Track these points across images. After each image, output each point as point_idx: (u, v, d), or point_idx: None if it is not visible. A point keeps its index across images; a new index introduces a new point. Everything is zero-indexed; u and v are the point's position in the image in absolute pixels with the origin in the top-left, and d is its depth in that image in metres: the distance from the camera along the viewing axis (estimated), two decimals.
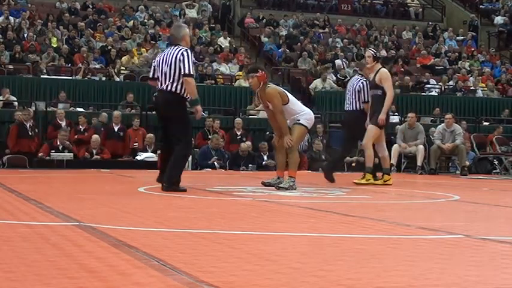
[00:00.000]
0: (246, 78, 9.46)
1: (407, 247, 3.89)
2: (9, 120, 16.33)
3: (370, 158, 10.68)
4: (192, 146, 16.45)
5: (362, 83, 10.79)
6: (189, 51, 7.93)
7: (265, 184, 9.13)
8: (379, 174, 10.74)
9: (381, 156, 11.03)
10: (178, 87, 7.79)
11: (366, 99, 10.71)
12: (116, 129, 16.34)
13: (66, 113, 16.90)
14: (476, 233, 4.47)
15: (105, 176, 12.40)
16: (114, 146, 16.15)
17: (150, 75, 8.27)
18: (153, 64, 8.18)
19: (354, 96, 10.83)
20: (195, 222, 4.98)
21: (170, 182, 7.81)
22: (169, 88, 7.83)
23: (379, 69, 10.43)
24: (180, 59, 7.76)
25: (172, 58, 7.82)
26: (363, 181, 10.54)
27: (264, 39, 24.53)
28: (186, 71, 7.75)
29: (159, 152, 15.87)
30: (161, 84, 7.89)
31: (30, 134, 15.58)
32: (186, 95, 7.86)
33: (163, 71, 7.86)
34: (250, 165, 16.01)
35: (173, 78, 7.80)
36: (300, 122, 8.89)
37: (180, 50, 7.84)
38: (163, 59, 7.92)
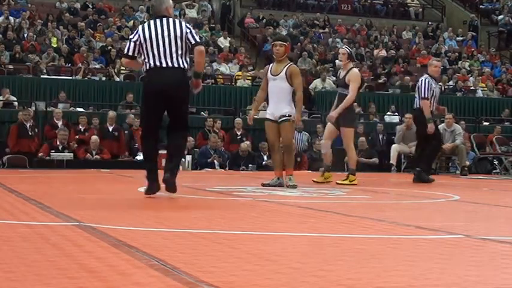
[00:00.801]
0: (274, 45, 9.33)
1: (407, 247, 3.89)
2: (9, 120, 16.34)
3: (354, 160, 10.53)
4: (193, 146, 16.53)
5: (421, 80, 11.13)
6: None
7: (264, 185, 9.15)
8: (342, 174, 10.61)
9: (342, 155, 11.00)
10: (185, 63, 6.84)
11: (425, 96, 10.85)
12: (110, 129, 16.32)
13: (66, 113, 16.91)
14: (476, 233, 4.47)
15: (105, 176, 12.40)
16: (110, 146, 16.13)
17: (129, 51, 6.96)
18: (133, 40, 6.95)
19: (417, 94, 11.11)
20: (195, 222, 4.98)
21: (175, 173, 6.94)
22: (177, 64, 6.77)
23: (351, 68, 10.35)
24: (187, 31, 6.85)
25: (175, 31, 6.83)
26: (346, 182, 10.36)
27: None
28: (197, 39, 6.91)
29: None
30: (159, 62, 6.77)
31: (30, 134, 15.58)
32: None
33: (162, 45, 6.80)
34: (250, 165, 16.02)
35: (181, 53, 6.81)
36: (291, 118, 9.01)
37: (180, 22, 7.05)
38: (157, 33, 6.85)
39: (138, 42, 6.87)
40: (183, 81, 6.86)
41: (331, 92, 20.59)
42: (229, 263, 3.18)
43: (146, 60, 6.81)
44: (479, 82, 23.52)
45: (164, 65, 6.75)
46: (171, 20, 6.94)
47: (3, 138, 16.05)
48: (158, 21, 6.93)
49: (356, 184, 10.19)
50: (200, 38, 6.52)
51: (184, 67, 6.80)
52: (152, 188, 6.90)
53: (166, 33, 6.82)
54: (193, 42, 6.82)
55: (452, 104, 21.16)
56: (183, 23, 6.99)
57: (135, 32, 7.02)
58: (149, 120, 6.99)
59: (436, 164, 15.95)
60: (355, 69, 10.56)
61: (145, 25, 7.00)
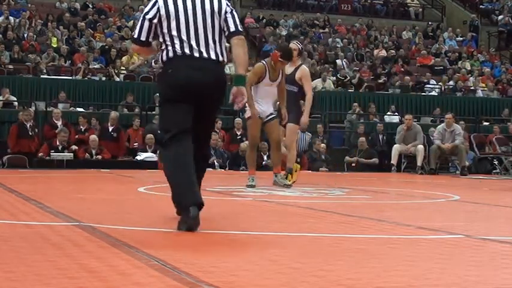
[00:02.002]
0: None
1: (407, 247, 3.89)
2: (9, 120, 16.34)
3: (294, 159, 10.19)
4: None
5: None
6: None
7: (248, 186, 9.02)
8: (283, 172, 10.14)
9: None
10: (224, 55, 4.81)
11: None
12: (110, 129, 16.32)
13: (66, 113, 16.91)
14: (476, 233, 4.47)
15: (105, 176, 12.40)
16: (109, 147, 16.11)
17: (142, 35, 4.85)
18: (148, 17, 4.79)
19: None
20: None
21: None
22: (214, 55, 4.70)
23: (300, 65, 10.11)
24: (226, 10, 4.79)
25: (211, 4, 4.77)
26: (291, 181, 9.93)
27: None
28: (239, 25, 4.82)
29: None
30: (190, 48, 4.66)
31: (30, 134, 15.58)
32: None
33: (193, 24, 4.69)
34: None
35: (218, 39, 4.76)
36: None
37: (218, 2, 4.82)
38: (185, 5, 4.74)
39: (156, 20, 4.74)
40: (224, 83, 4.81)
41: (331, 92, 20.62)
42: (229, 263, 3.18)
43: (168, 43, 4.70)
44: (479, 82, 23.52)
45: (197, 53, 4.65)
46: None
47: (3, 138, 16.05)
48: None
49: (294, 182, 9.66)
50: (237, 25, 4.77)
51: (224, 61, 4.82)
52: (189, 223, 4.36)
53: (199, 6, 4.74)
54: (232, 28, 4.74)
55: (453, 104, 21.16)
56: (222, 2, 4.84)
57: (151, 4, 4.82)
58: (176, 124, 4.60)
59: (436, 164, 15.96)
60: (305, 66, 10.36)
61: None
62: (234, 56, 4.77)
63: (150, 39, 4.87)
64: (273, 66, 9.08)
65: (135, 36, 4.91)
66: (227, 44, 4.83)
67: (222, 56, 4.74)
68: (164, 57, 4.78)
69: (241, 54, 4.74)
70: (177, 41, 4.67)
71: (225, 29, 4.74)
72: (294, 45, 10.17)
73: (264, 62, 9.25)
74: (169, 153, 4.60)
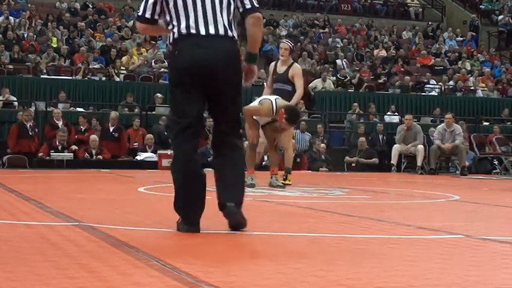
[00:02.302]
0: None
1: (407, 247, 3.89)
2: (9, 120, 16.35)
3: (291, 159, 10.10)
4: None
5: None
6: None
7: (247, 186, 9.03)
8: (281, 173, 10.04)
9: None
10: (234, 31, 4.42)
11: None
12: (111, 129, 16.32)
13: (66, 113, 16.91)
14: (476, 233, 4.47)
15: (105, 176, 12.40)
16: (110, 147, 16.12)
17: (146, 12, 4.46)
18: None
19: None
20: None
21: (240, 201, 4.40)
22: (224, 31, 4.33)
23: (292, 63, 10.06)
24: None
25: None
26: (288, 182, 9.64)
27: None
28: (254, 3, 4.47)
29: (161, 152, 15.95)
30: (197, 26, 4.30)
31: (30, 134, 15.59)
32: None
33: (200, 1, 4.33)
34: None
35: (230, 17, 4.41)
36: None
37: None
38: None
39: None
40: (236, 59, 4.47)
41: (331, 92, 20.62)
42: (229, 263, 3.18)
43: (174, 22, 4.35)
44: (479, 82, 23.52)
45: (203, 31, 4.31)
46: None
47: (3, 138, 16.06)
48: None
49: (290, 184, 9.60)
50: (252, 1, 4.43)
51: (234, 37, 4.42)
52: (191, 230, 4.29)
53: None
54: (248, 5, 4.41)
55: (453, 104, 21.17)
56: None
57: None
58: (184, 114, 4.35)
59: (436, 164, 15.96)
60: (297, 64, 10.35)
61: None
62: (248, 35, 4.48)
63: (156, 17, 4.47)
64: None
65: (139, 13, 4.51)
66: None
67: (232, 31, 4.37)
68: (171, 39, 4.40)
69: (256, 33, 4.48)
70: (182, 19, 4.31)
71: (239, 6, 4.41)
72: (285, 44, 10.16)
73: (272, 102, 9.01)
74: (174, 159, 4.45)
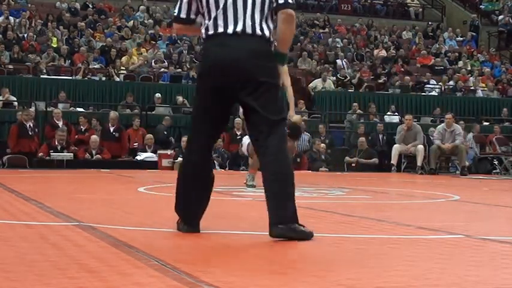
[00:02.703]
0: None
1: (407, 247, 3.89)
2: (9, 120, 16.35)
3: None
4: None
5: None
6: None
7: (248, 186, 9.06)
8: None
9: None
10: (267, 30, 4.16)
11: None
12: (111, 130, 16.33)
13: (66, 113, 16.92)
14: (476, 233, 4.47)
15: (105, 176, 12.40)
16: (111, 147, 16.14)
17: (181, 11, 4.29)
18: None
19: None
20: None
21: (292, 218, 3.95)
22: (253, 30, 4.11)
23: None
24: None
25: None
26: None
27: None
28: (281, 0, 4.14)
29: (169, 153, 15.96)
30: (225, 25, 4.11)
31: (30, 134, 15.59)
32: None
33: (229, 2, 4.12)
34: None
35: (264, 14, 4.16)
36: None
37: None
38: None
39: None
40: (263, 58, 4.12)
41: (331, 92, 20.62)
42: (229, 263, 3.18)
43: (205, 21, 4.18)
44: (479, 82, 23.52)
45: (231, 30, 4.10)
46: None
47: (3, 138, 16.06)
48: None
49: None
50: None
51: (266, 35, 4.14)
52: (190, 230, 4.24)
53: None
54: (281, 0, 4.14)
55: (453, 104, 21.17)
56: None
57: None
58: (196, 127, 4.26)
59: (436, 164, 15.96)
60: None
61: None
62: (278, 32, 4.19)
63: (192, 16, 4.26)
64: None
65: (175, 13, 4.34)
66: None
67: (262, 30, 4.09)
68: (202, 39, 4.26)
69: (285, 31, 4.18)
70: (212, 18, 4.13)
71: (273, 0, 4.14)
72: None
73: None
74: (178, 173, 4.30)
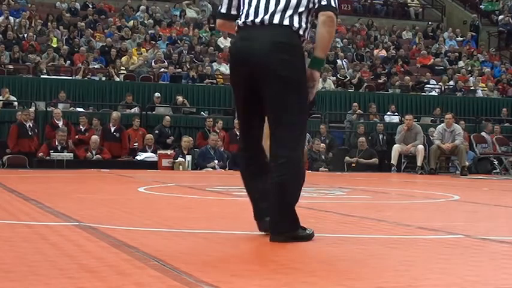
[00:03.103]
0: None
1: (407, 247, 3.89)
2: (9, 120, 16.36)
3: None
4: (192, 146, 16.54)
5: None
6: None
7: None
8: None
9: None
10: (300, 23, 3.95)
11: None
12: (112, 130, 16.34)
13: (66, 113, 16.92)
14: (476, 233, 4.47)
15: (105, 176, 12.41)
16: (112, 147, 16.15)
17: (223, 6, 4.27)
18: None
19: None
20: (195, 222, 4.98)
21: (288, 220, 3.92)
22: (278, 20, 3.92)
23: None
24: None
25: None
26: None
27: None
28: (324, 1, 3.97)
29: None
30: (249, 15, 3.99)
31: (29, 134, 15.59)
32: (303, 41, 4.02)
33: None
34: None
35: (294, 9, 3.95)
36: None
37: None
38: None
39: None
40: (285, 50, 3.90)
41: (331, 92, 20.61)
42: (229, 263, 3.18)
43: (240, 14, 4.08)
44: (479, 82, 23.52)
45: (253, 19, 3.98)
46: None
47: (3, 138, 16.06)
48: None
49: None
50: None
51: (293, 26, 3.92)
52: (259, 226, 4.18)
53: None
54: (324, 1, 3.95)
55: (453, 104, 21.16)
56: None
57: None
58: (240, 121, 4.23)
59: (436, 164, 15.96)
60: None
61: None
62: (316, 35, 4.00)
63: (234, 12, 4.18)
64: None
65: (219, 9, 4.31)
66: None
67: (291, 21, 3.89)
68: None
69: (324, 34, 3.97)
70: (245, 10, 4.01)
71: (316, 2, 3.95)
72: None
73: None
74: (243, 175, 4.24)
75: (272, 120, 3.93)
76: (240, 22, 4.02)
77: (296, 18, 3.92)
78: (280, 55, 3.86)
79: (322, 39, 3.99)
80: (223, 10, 4.24)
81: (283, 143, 3.87)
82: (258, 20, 3.93)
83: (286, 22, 3.90)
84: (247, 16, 3.98)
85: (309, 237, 3.93)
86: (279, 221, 3.88)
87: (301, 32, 3.93)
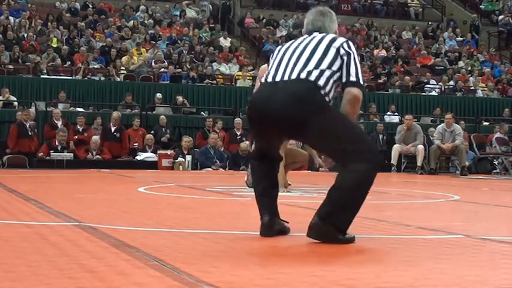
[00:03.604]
0: None
1: (407, 247, 3.89)
2: (9, 120, 16.37)
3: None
4: (192, 146, 16.54)
5: None
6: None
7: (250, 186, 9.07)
8: None
9: None
10: (316, 77, 3.91)
11: None
12: (112, 130, 16.35)
13: (66, 113, 16.93)
14: (476, 233, 4.47)
15: (105, 176, 12.40)
16: (112, 147, 16.16)
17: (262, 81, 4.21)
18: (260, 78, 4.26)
19: None
20: (195, 222, 4.97)
21: (336, 223, 3.95)
22: (296, 75, 3.93)
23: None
24: (344, 51, 4.01)
25: (320, 41, 4.08)
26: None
27: None
28: (353, 77, 3.98)
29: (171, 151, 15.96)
30: (272, 74, 4.06)
31: (29, 134, 15.60)
32: (330, 98, 3.96)
33: (289, 56, 4.09)
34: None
35: (315, 66, 3.94)
36: None
37: (338, 38, 4.12)
38: (297, 45, 4.16)
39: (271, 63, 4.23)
40: (302, 99, 3.86)
41: None
42: (229, 263, 3.18)
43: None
44: (479, 82, 23.52)
45: (279, 77, 4.00)
46: (324, 34, 4.17)
47: (3, 138, 16.06)
48: (307, 35, 4.24)
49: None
50: (358, 76, 4.01)
51: (318, 82, 3.89)
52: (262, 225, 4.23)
53: (305, 43, 4.13)
54: (353, 78, 3.98)
55: (453, 104, 21.17)
56: (342, 40, 4.09)
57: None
58: (257, 143, 4.34)
59: (436, 164, 15.96)
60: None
61: (282, 46, 4.34)
62: (342, 106, 4.03)
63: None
64: None
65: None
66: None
67: (310, 74, 3.89)
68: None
69: (348, 112, 3.98)
70: (270, 72, 4.10)
71: (344, 73, 3.96)
72: None
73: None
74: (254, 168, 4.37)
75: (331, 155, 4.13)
76: (263, 80, 4.12)
77: (315, 73, 3.91)
78: (299, 105, 3.84)
79: (355, 111, 4.03)
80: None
81: (345, 160, 4.04)
82: (278, 78, 3.98)
83: (304, 75, 3.90)
84: (268, 76, 4.07)
85: (349, 241, 3.90)
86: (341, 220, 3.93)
87: (324, 91, 3.89)
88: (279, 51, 4.20)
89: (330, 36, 4.10)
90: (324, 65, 3.93)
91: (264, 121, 3.96)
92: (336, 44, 4.02)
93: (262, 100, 3.99)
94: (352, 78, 3.95)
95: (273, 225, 4.16)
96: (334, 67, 3.95)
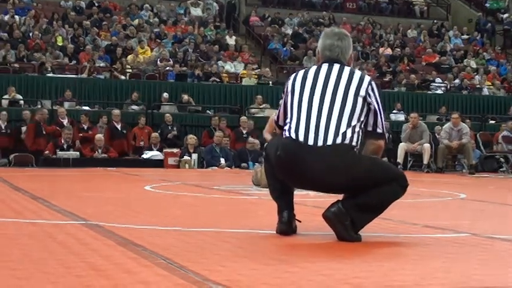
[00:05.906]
0: None
1: (414, 246, 3.88)
2: (15, 119, 16.41)
3: None
4: (198, 145, 16.54)
5: None
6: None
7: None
8: None
9: None
10: (355, 137, 3.93)
11: None
12: (119, 127, 16.41)
13: (72, 112, 16.96)
14: (483, 232, 4.46)
15: (111, 175, 12.42)
16: (119, 145, 16.20)
17: (278, 116, 4.27)
18: (283, 97, 4.19)
19: None
20: (201, 220, 4.98)
21: (355, 219, 3.94)
22: (333, 139, 3.88)
23: None
24: (370, 99, 4.07)
25: (348, 82, 4.00)
26: None
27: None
28: (380, 129, 4.10)
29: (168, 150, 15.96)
30: (304, 132, 3.94)
31: (43, 133, 15.73)
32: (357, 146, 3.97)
33: (315, 107, 3.96)
34: (256, 163, 16.00)
35: (347, 123, 3.93)
36: None
37: (363, 81, 4.06)
38: (315, 81, 4.03)
39: (286, 98, 4.11)
40: (341, 166, 3.88)
41: None
42: (237, 261, 3.18)
43: (288, 120, 4.04)
44: (485, 80, 23.47)
45: (312, 141, 3.89)
46: (346, 68, 4.08)
47: (10, 136, 16.11)
48: (325, 66, 4.10)
49: None
50: (383, 128, 4.17)
51: (352, 143, 3.90)
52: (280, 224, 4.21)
53: (327, 81, 4.00)
54: (379, 130, 4.10)
55: (458, 102, 21.13)
56: (367, 79, 4.10)
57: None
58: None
59: (443, 163, 15.92)
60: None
61: (305, 70, 4.18)
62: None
63: (287, 120, 4.09)
64: None
65: (275, 118, 4.33)
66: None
67: (350, 139, 3.88)
68: (282, 133, 4.13)
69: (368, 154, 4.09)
70: (294, 119, 3.97)
71: (370, 123, 4.05)
72: None
73: None
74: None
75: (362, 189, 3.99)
76: (288, 133, 3.98)
77: (349, 132, 3.90)
78: (335, 173, 3.88)
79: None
80: (281, 122, 4.22)
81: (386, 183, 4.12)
82: (311, 141, 3.89)
83: (338, 140, 3.88)
84: (298, 129, 3.94)
85: (357, 240, 3.91)
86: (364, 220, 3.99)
87: (356, 146, 3.93)
88: (296, 86, 4.06)
89: (355, 77, 4.03)
90: (354, 121, 3.93)
91: (297, 183, 4.14)
92: (362, 92, 3.98)
93: (295, 163, 3.92)
94: (379, 130, 4.06)
95: (292, 222, 4.17)
96: (362, 117, 4.00)
